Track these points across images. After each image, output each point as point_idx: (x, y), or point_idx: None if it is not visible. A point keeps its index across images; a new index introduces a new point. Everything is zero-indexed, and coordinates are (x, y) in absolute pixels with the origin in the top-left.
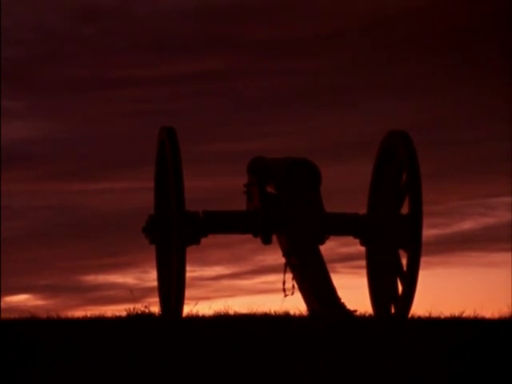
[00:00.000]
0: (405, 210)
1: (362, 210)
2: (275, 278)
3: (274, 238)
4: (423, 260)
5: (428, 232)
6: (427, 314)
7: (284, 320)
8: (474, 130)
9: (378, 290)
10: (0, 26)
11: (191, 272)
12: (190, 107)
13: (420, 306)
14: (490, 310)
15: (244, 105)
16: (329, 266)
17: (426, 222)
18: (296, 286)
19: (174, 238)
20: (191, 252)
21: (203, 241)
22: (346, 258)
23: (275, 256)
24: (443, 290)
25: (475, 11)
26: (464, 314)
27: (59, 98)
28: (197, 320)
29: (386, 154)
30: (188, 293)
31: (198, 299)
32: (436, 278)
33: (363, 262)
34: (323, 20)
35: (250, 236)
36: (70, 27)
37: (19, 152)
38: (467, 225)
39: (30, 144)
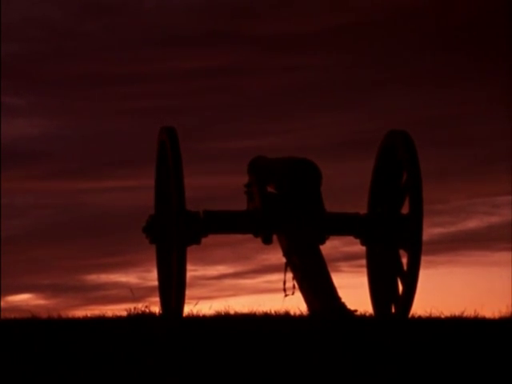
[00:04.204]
0: (405, 209)
1: (363, 210)
2: (278, 278)
3: (275, 237)
4: (427, 259)
5: (432, 231)
6: (427, 314)
7: (284, 320)
8: (479, 128)
9: (379, 290)
10: (0, 21)
11: (193, 271)
12: (192, 104)
13: (421, 306)
14: (491, 309)
15: (245, 102)
16: (332, 265)
17: (430, 220)
18: (296, 285)
19: (174, 237)
20: (193, 251)
21: (206, 240)
22: (349, 257)
23: (278, 255)
24: (446, 289)
25: (475, 9)
26: (464, 314)
27: (62, 95)
28: (197, 320)
29: (387, 153)
30: (190, 292)
31: (200, 299)
32: (440, 277)
33: None
34: (325, 16)
35: (252, 235)
36: (74, 22)
37: (21, 150)
38: (472, 223)
39: (32, 141)
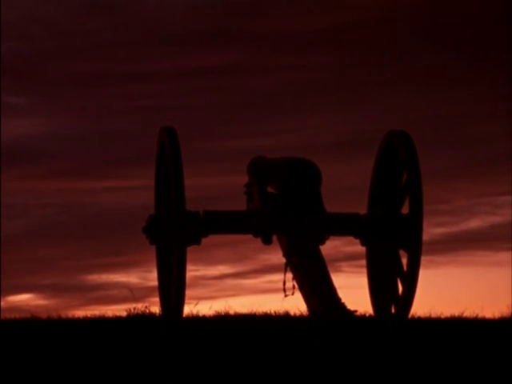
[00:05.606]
0: (405, 209)
1: (363, 210)
2: (279, 278)
3: (275, 237)
4: (428, 259)
5: (434, 231)
6: (427, 315)
7: (284, 320)
8: (480, 128)
9: (379, 290)
10: (0, 19)
11: (194, 271)
12: (193, 104)
13: (421, 306)
14: (492, 309)
15: (245, 102)
16: (333, 265)
17: (432, 220)
18: (296, 286)
19: (174, 238)
20: (194, 251)
21: (207, 239)
22: (350, 257)
23: (279, 255)
24: (447, 290)
25: (475, 8)
26: (464, 314)
27: (62, 94)
28: (197, 320)
29: (386, 153)
30: (191, 292)
31: (200, 299)
32: (440, 277)
33: None
34: (326, 15)
35: (252, 235)
36: (75, 21)
37: (21, 149)
38: (473, 223)
39: (32, 141)
